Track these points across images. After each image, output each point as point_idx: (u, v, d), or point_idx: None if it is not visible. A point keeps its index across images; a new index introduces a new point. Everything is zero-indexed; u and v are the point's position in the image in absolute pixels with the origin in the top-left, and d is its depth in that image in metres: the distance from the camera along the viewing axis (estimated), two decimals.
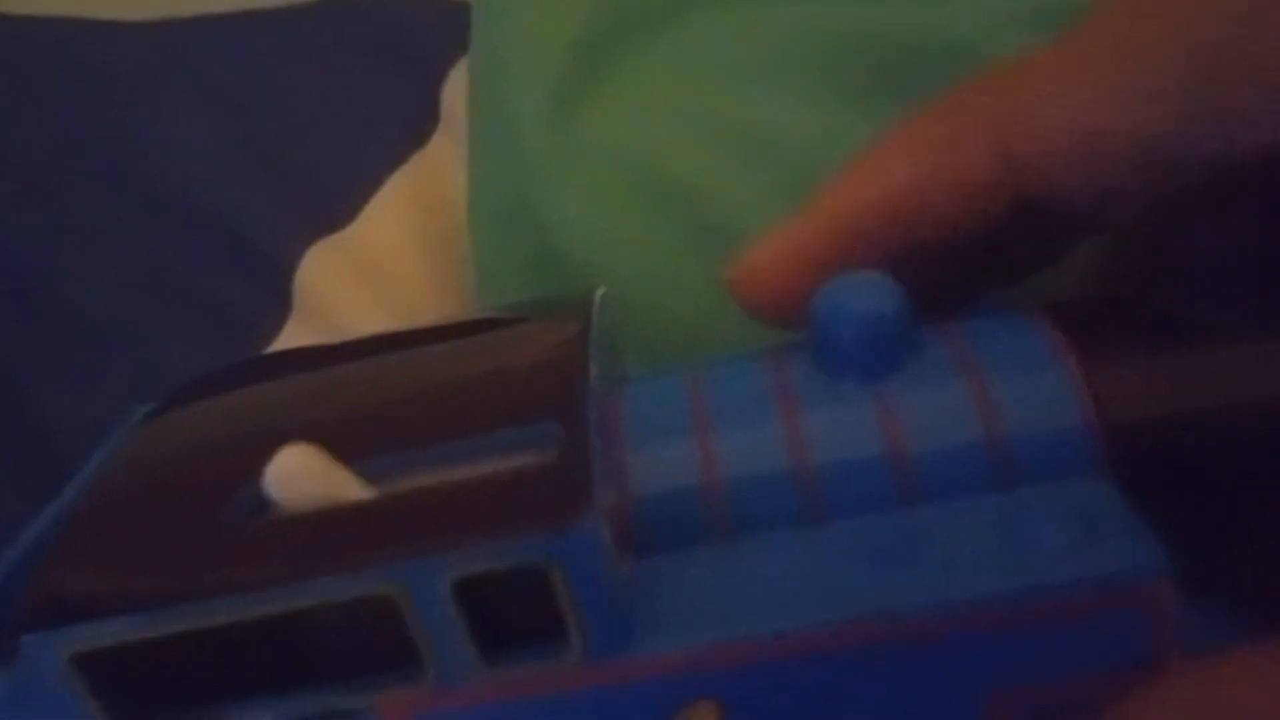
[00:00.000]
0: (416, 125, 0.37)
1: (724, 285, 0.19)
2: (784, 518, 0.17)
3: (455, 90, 0.36)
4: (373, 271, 0.35)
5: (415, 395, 0.18)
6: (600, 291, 0.20)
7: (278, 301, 0.35)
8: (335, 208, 0.36)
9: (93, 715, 0.15)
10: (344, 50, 0.38)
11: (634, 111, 0.28)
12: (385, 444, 0.17)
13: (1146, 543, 0.15)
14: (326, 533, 0.15)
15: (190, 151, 0.36)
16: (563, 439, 0.16)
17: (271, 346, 0.34)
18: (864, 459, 0.17)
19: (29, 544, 0.18)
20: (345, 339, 0.21)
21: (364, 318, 0.34)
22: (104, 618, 0.15)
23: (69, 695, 0.15)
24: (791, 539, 0.16)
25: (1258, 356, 0.17)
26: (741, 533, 0.17)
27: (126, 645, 0.15)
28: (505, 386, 0.18)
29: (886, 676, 0.15)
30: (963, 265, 0.19)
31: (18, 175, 0.36)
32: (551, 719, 0.15)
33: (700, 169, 0.26)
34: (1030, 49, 0.17)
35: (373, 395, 0.19)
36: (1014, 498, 0.16)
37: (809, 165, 0.21)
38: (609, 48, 0.29)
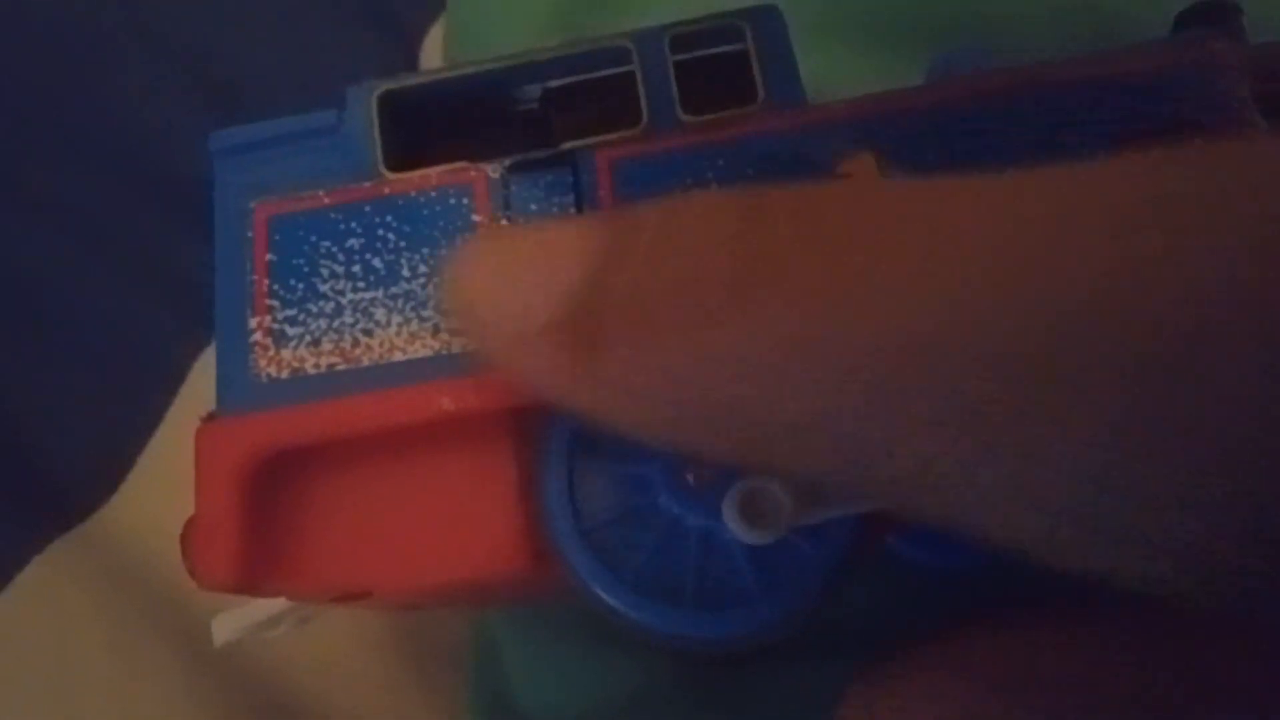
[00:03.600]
0: None
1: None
2: None
3: (434, 52, 0.35)
4: None
5: None
6: None
7: None
8: None
9: (377, 147, 0.19)
10: (319, 9, 0.35)
11: None
12: None
13: None
14: None
15: (157, 116, 0.33)
16: None
17: None
18: None
19: None
20: None
21: None
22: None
23: (368, 130, 0.19)
24: None
25: None
26: None
27: (416, 93, 0.19)
28: None
29: (1021, 121, 0.18)
30: None
31: None
32: (733, 166, 0.18)
33: None
34: None
35: None
36: None
37: None
38: (585, 20, 0.30)
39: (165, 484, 0.29)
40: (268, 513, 0.18)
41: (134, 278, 0.31)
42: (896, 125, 0.18)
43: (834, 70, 0.21)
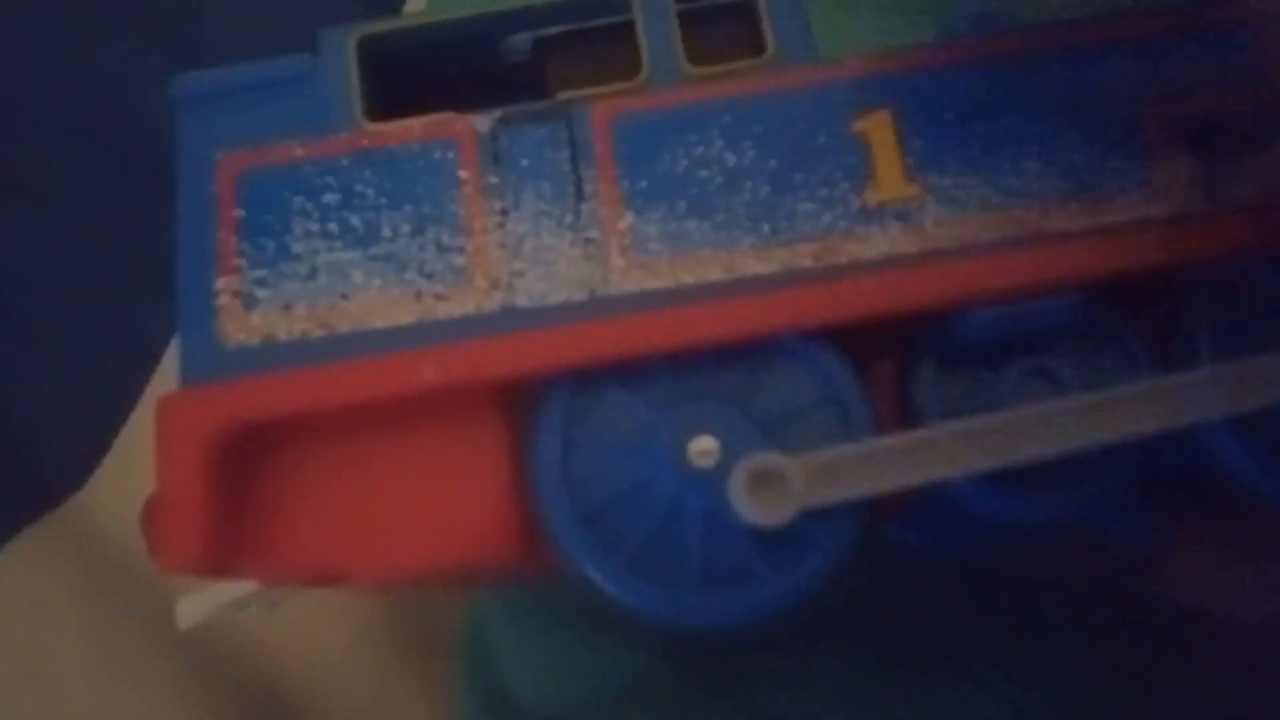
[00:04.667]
0: None
1: None
2: None
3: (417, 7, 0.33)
4: None
5: None
6: None
7: None
8: None
9: (355, 96, 0.18)
10: None
11: None
12: None
13: None
14: None
15: (127, 91, 0.30)
16: None
17: None
18: None
19: None
20: None
21: None
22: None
23: (346, 77, 0.18)
24: None
25: None
26: None
27: (396, 40, 0.18)
28: None
29: (1049, 81, 0.17)
30: None
31: None
32: (740, 123, 0.17)
33: None
34: None
35: None
36: None
37: None
38: None
39: (142, 467, 0.27)
40: (235, 490, 0.16)
41: (106, 257, 0.30)
42: (914, 82, 0.17)
43: (844, 33, 0.20)
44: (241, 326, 0.17)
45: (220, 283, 0.17)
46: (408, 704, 0.26)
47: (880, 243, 0.17)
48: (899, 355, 0.17)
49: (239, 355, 0.16)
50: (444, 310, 0.16)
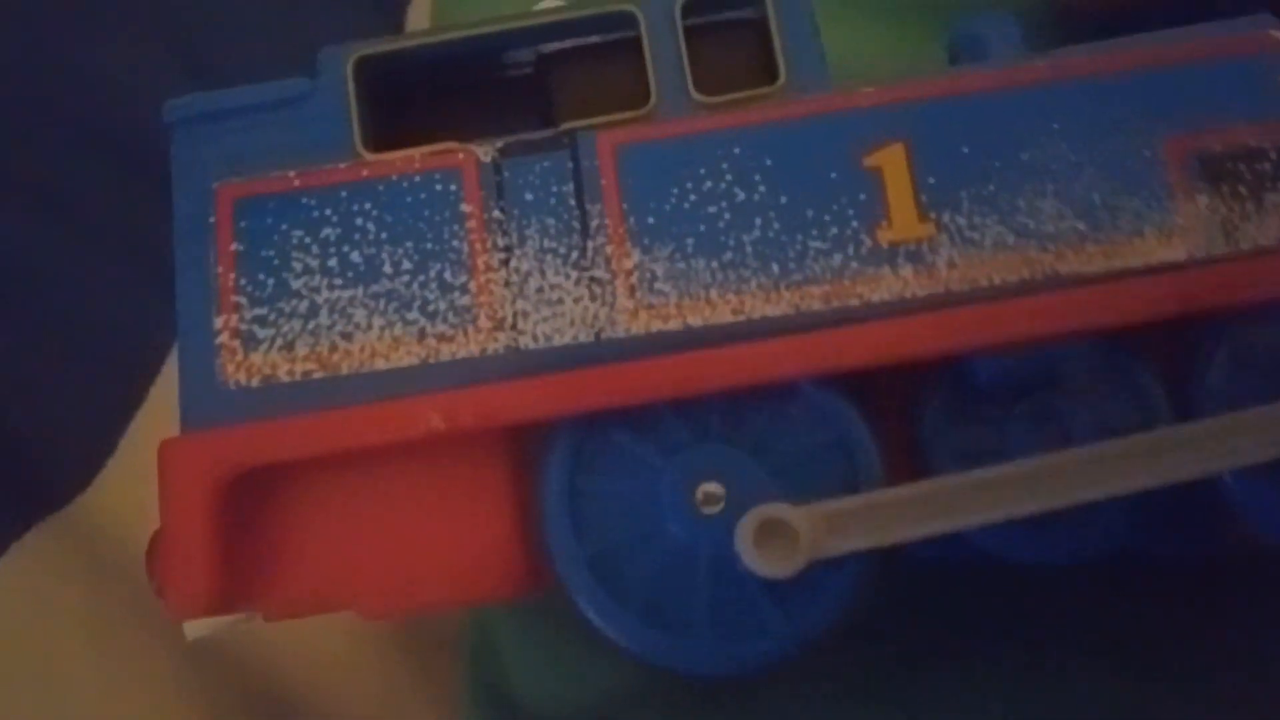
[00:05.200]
0: None
1: None
2: None
3: (420, 16, 0.34)
4: None
5: None
6: None
7: None
8: None
9: (353, 122, 0.17)
10: None
11: None
12: None
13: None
14: None
15: (135, 90, 0.31)
16: None
17: None
18: None
19: None
20: None
21: None
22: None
23: (343, 101, 0.17)
24: None
25: None
26: None
27: (396, 59, 0.17)
28: None
29: (1066, 113, 0.16)
30: None
31: None
32: (750, 155, 0.17)
33: None
34: None
35: None
36: None
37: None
38: None
39: (147, 468, 0.27)
40: (239, 530, 0.16)
41: (111, 258, 0.29)
42: (929, 113, 0.17)
43: (853, 41, 0.19)
44: (242, 367, 0.16)
45: (219, 321, 0.16)
46: (411, 703, 0.26)
47: (892, 284, 0.16)
48: (909, 398, 0.17)
49: (241, 397, 0.16)
50: (448, 351, 0.16)
